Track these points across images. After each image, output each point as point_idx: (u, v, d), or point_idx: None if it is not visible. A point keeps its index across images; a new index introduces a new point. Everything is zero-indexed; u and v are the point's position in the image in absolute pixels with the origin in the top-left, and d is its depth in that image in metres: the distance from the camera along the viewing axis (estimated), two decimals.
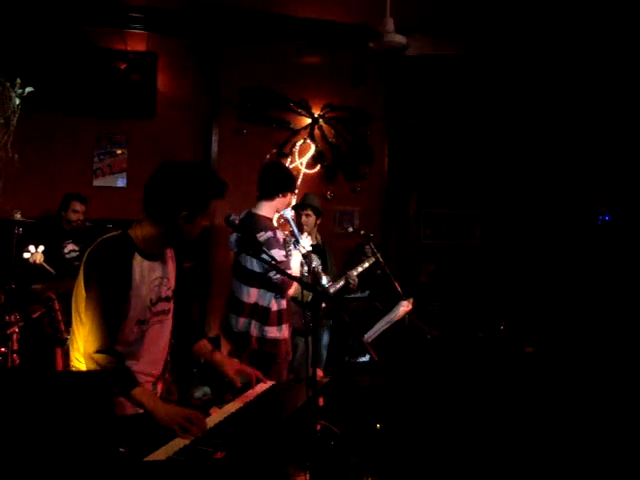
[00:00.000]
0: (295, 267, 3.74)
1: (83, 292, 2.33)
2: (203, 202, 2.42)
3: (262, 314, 3.77)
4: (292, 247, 3.79)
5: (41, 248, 4.68)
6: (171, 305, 2.60)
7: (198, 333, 2.86)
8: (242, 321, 3.81)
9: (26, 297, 4.57)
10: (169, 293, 2.58)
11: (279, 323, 3.79)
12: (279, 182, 3.86)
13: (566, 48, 6.11)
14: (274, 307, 3.78)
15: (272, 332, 3.77)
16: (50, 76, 5.74)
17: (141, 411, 2.29)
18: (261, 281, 3.74)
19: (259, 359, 3.71)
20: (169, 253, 2.62)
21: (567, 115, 6.44)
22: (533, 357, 5.20)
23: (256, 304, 3.78)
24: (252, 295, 3.79)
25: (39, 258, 4.68)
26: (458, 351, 5.18)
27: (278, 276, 3.61)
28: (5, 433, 1.67)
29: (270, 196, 3.85)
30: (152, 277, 2.48)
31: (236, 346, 3.90)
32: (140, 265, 2.42)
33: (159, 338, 2.54)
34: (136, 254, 2.41)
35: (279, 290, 3.75)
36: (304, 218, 4.78)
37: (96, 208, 5.81)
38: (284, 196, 3.84)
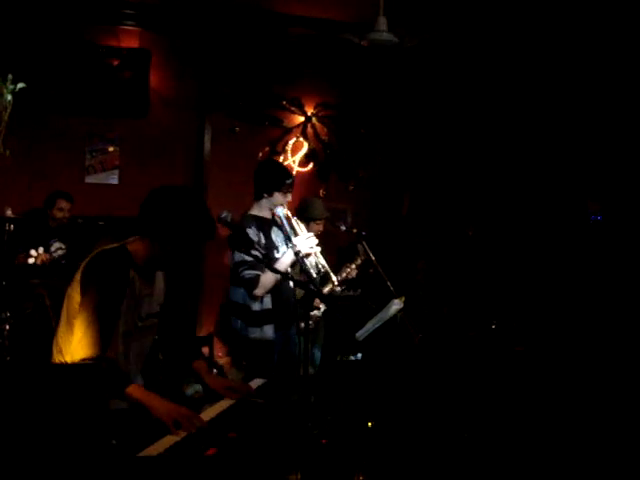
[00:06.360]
0: (284, 266, 3.59)
1: (78, 298, 2.34)
2: (191, 241, 2.44)
3: (244, 313, 3.71)
4: (284, 246, 3.77)
5: (41, 249, 4.71)
6: (157, 319, 2.64)
7: (195, 353, 2.85)
8: (232, 320, 3.80)
9: (18, 294, 4.55)
10: (157, 308, 2.63)
11: (261, 324, 3.70)
12: (262, 182, 3.80)
13: (560, 46, 6.13)
14: (255, 307, 3.68)
15: (255, 333, 3.69)
16: (43, 72, 5.70)
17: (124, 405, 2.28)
18: (234, 277, 3.70)
19: (248, 360, 3.72)
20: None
21: (561, 113, 6.46)
22: (524, 356, 5.21)
23: (239, 303, 3.74)
24: (234, 294, 3.77)
25: (45, 257, 4.71)
26: (449, 350, 5.19)
27: (246, 272, 3.57)
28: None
29: (256, 197, 3.83)
30: (143, 293, 2.51)
31: (231, 346, 3.89)
32: (133, 280, 2.45)
33: (141, 351, 2.58)
34: (132, 269, 2.44)
35: (247, 288, 3.65)
36: (315, 227, 4.63)
37: (88, 205, 5.79)
38: (270, 195, 3.75)
